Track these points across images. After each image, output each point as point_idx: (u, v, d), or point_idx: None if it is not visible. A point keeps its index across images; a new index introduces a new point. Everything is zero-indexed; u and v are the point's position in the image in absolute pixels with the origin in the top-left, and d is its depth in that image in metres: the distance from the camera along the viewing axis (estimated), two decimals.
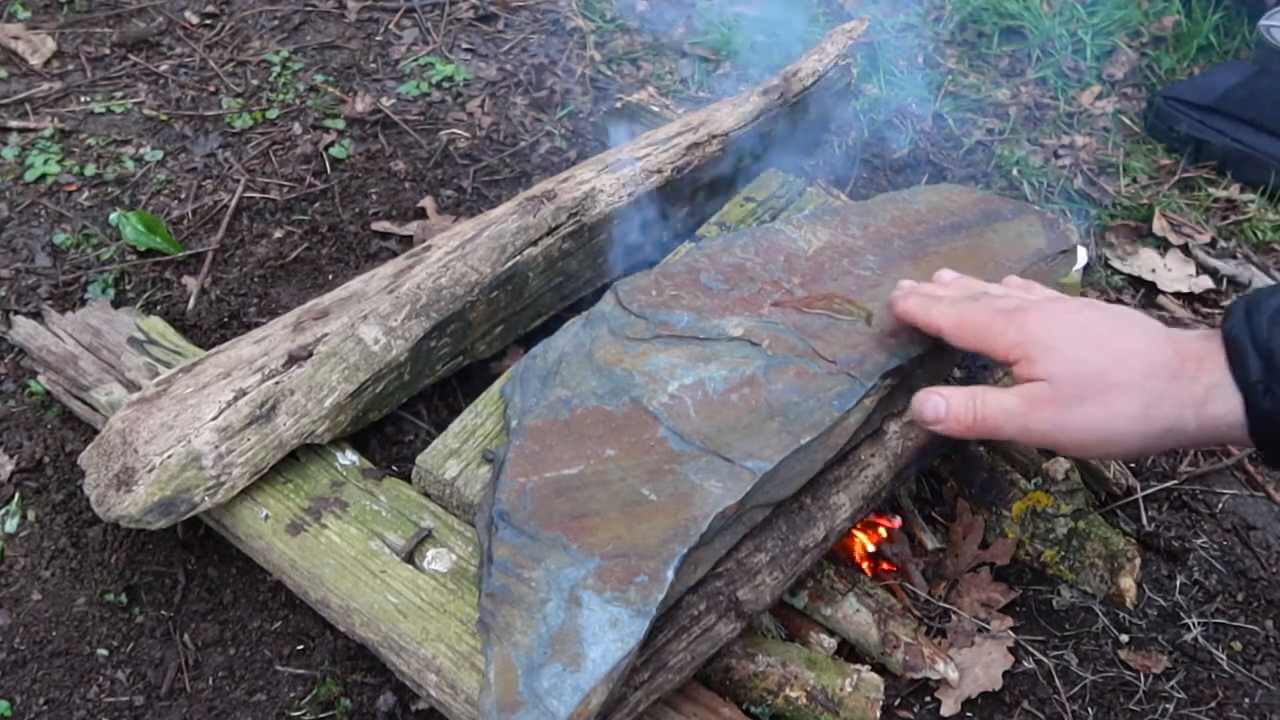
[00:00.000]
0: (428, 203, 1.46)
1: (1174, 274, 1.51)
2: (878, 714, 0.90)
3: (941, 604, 1.05)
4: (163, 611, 1.00)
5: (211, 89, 1.65)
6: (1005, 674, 1.00)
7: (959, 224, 1.06)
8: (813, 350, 0.90)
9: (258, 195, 1.45)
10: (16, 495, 1.08)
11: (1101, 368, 0.67)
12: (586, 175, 1.16)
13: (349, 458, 0.98)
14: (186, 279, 1.32)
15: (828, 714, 0.90)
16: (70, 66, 1.66)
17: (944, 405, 0.73)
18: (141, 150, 1.52)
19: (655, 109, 1.48)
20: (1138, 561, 1.03)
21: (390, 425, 1.09)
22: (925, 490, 1.15)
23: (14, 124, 1.54)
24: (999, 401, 0.71)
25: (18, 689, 0.94)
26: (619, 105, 1.53)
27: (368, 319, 0.99)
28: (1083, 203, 1.62)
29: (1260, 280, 1.52)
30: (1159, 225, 1.57)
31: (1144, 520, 1.17)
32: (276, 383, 0.95)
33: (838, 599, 0.97)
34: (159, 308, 1.27)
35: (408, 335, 1.00)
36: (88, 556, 1.03)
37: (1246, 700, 1.02)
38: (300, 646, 0.99)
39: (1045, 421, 0.68)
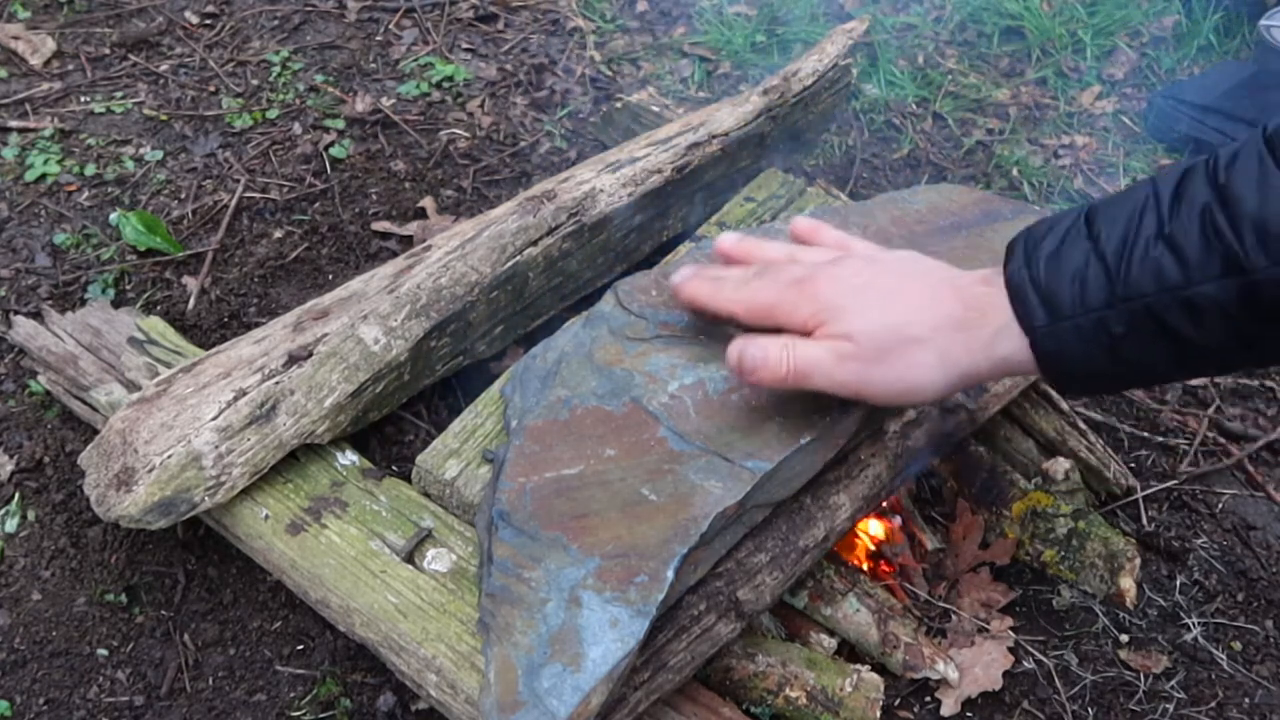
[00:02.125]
0: (428, 203, 1.46)
1: None
2: (878, 714, 0.90)
3: (941, 604, 1.05)
4: (163, 611, 1.00)
5: (211, 89, 1.65)
6: (1005, 674, 1.00)
7: (959, 224, 1.06)
8: None
9: (258, 195, 1.45)
10: (16, 495, 1.08)
11: (894, 324, 0.69)
12: (586, 175, 1.16)
13: (349, 458, 0.98)
14: (186, 279, 1.32)
15: (828, 714, 0.90)
16: (70, 66, 1.66)
17: (760, 354, 0.73)
18: (141, 150, 1.52)
19: (655, 109, 1.48)
20: (1138, 561, 1.03)
21: (390, 425, 1.09)
22: (925, 490, 1.15)
23: (14, 124, 1.54)
24: (808, 352, 0.71)
25: (18, 689, 0.94)
26: (619, 105, 1.53)
27: (368, 319, 0.99)
28: (1083, 203, 1.62)
29: None
30: None
31: (1144, 520, 1.17)
32: (276, 383, 0.95)
33: (838, 599, 0.97)
34: (159, 308, 1.27)
35: (408, 335, 1.00)
36: (88, 556, 1.03)
37: (1246, 700, 1.02)
38: (300, 646, 0.99)
39: (851, 374, 0.70)
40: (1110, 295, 0.63)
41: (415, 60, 1.75)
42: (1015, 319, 0.67)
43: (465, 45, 1.81)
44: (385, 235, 1.42)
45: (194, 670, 0.97)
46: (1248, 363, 0.66)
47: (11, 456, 1.11)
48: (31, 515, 1.06)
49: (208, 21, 1.80)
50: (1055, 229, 0.67)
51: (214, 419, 0.92)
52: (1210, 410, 1.31)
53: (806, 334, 0.73)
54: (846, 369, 0.70)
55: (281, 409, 0.94)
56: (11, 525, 1.06)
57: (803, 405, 0.86)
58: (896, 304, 0.70)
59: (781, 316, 0.74)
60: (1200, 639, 1.06)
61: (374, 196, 1.47)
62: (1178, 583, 1.12)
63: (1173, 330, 0.62)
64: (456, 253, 1.05)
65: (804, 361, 0.72)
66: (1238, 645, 1.07)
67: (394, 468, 1.06)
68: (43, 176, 1.46)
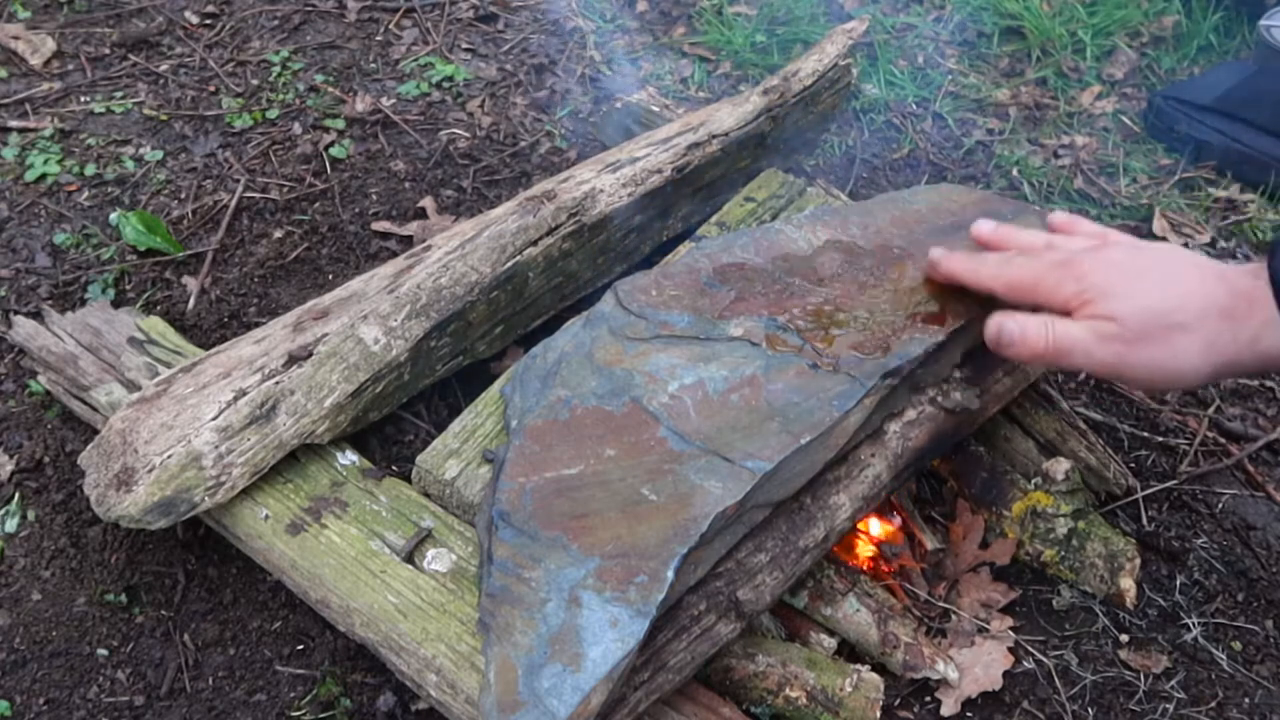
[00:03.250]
0: (428, 203, 1.46)
1: None
2: (878, 714, 0.90)
3: (941, 604, 1.05)
4: (163, 611, 1.00)
5: (211, 89, 1.65)
6: (1005, 674, 1.00)
7: (959, 224, 1.06)
8: (813, 350, 0.90)
9: (258, 195, 1.45)
10: (16, 495, 1.08)
11: (1162, 309, 0.70)
12: (586, 175, 1.16)
13: (349, 458, 0.98)
14: (186, 279, 1.32)
15: (828, 714, 0.90)
16: (70, 66, 1.66)
17: (1018, 330, 0.75)
18: (141, 150, 1.52)
19: (655, 109, 1.48)
20: (1138, 561, 1.03)
21: (390, 425, 1.09)
22: (925, 490, 1.15)
23: (14, 124, 1.54)
24: (1068, 330, 0.72)
25: (18, 689, 0.94)
26: (619, 105, 1.53)
27: (368, 319, 0.99)
28: (1083, 203, 1.62)
29: None
30: (1159, 225, 1.57)
31: (1144, 520, 1.17)
32: (276, 383, 0.95)
33: (838, 599, 0.97)
34: (159, 308, 1.27)
35: (408, 335, 1.00)
36: (88, 556, 1.03)
37: (1246, 700, 1.02)
38: (300, 646, 0.99)
39: (1112, 355, 0.71)
40: None
41: (415, 60, 1.75)
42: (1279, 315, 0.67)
43: (465, 45, 1.81)
44: (385, 235, 1.42)
45: (194, 670, 0.97)
46: None
47: (11, 456, 1.11)
48: (31, 515, 1.06)
49: (208, 21, 1.80)
50: None
51: (214, 419, 0.92)
52: (1210, 410, 1.31)
53: (1066, 313, 0.74)
54: (1107, 349, 0.71)
55: (281, 409, 0.94)
56: (11, 525, 1.06)
57: (803, 405, 0.86)
58: (1165, 289, 0.71)
59: (1043, 294, 0.75)
60: (1200, 639, 1.06)
61: (374, 196, 1.47)
62: (1178, 583, 1.12)
63: None
64: (456, 253, 1.05)
65: (1064, 338, 0.73)
66: (1238, 645, 1.07)
67: (394, 468, 1.06)
68: (43, 176, 1.46)
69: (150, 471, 0.89)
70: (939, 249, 0.89)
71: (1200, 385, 0.76)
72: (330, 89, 1.66)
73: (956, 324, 0.92)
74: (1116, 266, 0.73)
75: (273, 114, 1.60)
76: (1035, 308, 0.77)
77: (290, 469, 0.95)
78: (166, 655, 0.97)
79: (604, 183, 1.14)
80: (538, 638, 0.73)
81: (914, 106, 1.80)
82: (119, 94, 1.62)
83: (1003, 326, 0.77)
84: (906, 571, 1.06)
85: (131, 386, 1.03)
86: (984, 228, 0.88)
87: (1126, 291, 0.71)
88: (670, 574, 0.76)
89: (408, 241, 1.40)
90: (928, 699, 0.99)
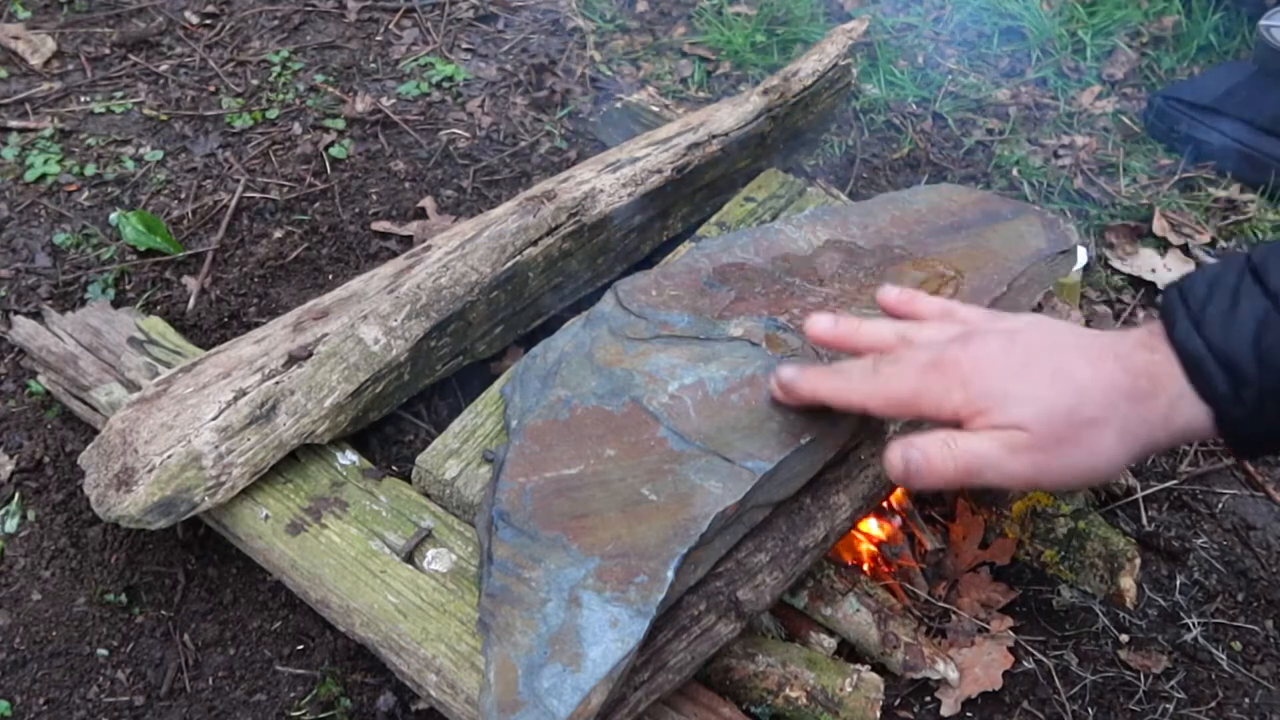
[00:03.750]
0: (428, 203, 1.46)
1: (1174, 274, 1.51)
2: (878, 714, 0.90)
3: (941, 604, 1.05)
4: (163, 611, 1.00)
5: (211, 89, 1.65)
6: (1005, 674, 1.00)
7: (959, 224, 1.06)
8: (813, 350, 0.90)
9: (258, 195, 1.45)
10: (16, 495, 1.08)
11: (1067, 406, 0.64)
12: (586, 175, 1.16)
13: (349, 458, 0.98)
14: (186, 279, 1.32)
15: (828, 714, 0.90)
16: (70, 66, 1.66)
17: (922, 458, 0.67)
18: (141, 150, 1.52)
19: (655, 109, 1.48)
20: (1138, 561, 1.03)
21: (390, 425, 1.09)
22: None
23: (14, 124, 1.54)
24: (974, 448, 0.66)
25: (18, 689, 0.94)
26: (619, 105, 1.53)
27: (368, 319, 0.99)
28: (1083, 203, 1.62)
29: None
30: (1159, 225, 1.57)
31: (1144, 520, 1.17)
32: (276, 383, 0.95)
33: (838, 599, 0.97)
34: (159, 308, 1.27)
35: (408, 335, 1.00)
36: (88, 556, 1.03)
37: (1246, 700, 1.02)
38: (300, 646, 0.99)
39: (1029, 466, 0.65)
40: None
41: (415, 60, 1.75)
42: (1192, 388, 0.62)
43: (465, 45, 1.81)
44: (385, 235, 1.42)
45: (194, 670, 0.97)
46: None
47: (11, 456, 1.11)
48: (31, 515, 1.06)
49: (208, 21, 1.80)
50: (1219, 286, 0.62)
51: (214, 419, 0.92)
52: None
53: (957, 423, 0.67)
54: (1021, 461, 0.64)
55: (281, 409, 0.94)
56: (11, 525, 1.06)
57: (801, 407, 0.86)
58: (1062, 383, 0.65)
59: (927, 407, 0.68)
60: (1200, 639, 1.06)
61: (374, 196, 1.47)
62: (1178, 583, 1.12)
63: None
64: (456, 253, 1.05)
65: (972, 459, 0.65)
66: (1238, 645, 1.07)
67: (394, 468, 1.06)
68: (43, 176, 1.46)
69: (150, 471, 0.89)
70: (789, 368, 0.79)
71: (1119, 474, 0.69)
72: (330, 89, 1.66)
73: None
74: (997, 365, 0.67)
75: (273, 114, 1.60)
76: (919, 419, 0.70)
77: (290, 469, 0.95)
78: (166, 655, 0.97)
79: (604, 183, 1.14)
80: (538, 638, 0.73)
81: (914, 106, 1.80)
82: (119, 94, 1.62)
83: (909, 460, 0.68)
84: (906, 571, 1.06)
85: (131, 386, 1.03)
86: (822, 326, 0.78)
87: (1020, 394, 0.65)
88: (670, 574, 0.76)
89: (408, 241, 1.40)
90: (928, 699, 0.99)
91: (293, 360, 0.96)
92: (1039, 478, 0.65)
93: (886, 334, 0.75)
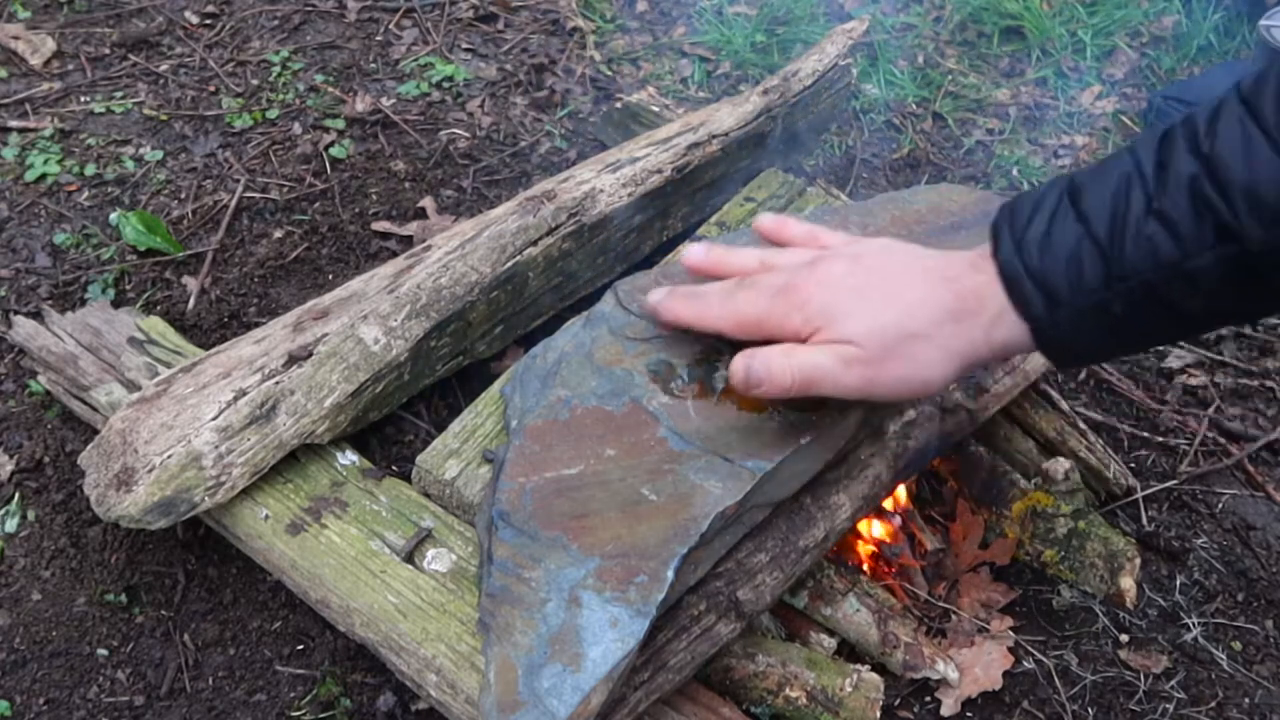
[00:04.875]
0: (428, 203, 1.46)
1: None
2: (878, 714, 0.90)
3: (941, 604, 1.05)
4: (163, 611, 1.00)
5: (211, 89, 1.65)
6: (1005, 674, 1.00)
7: (959, 224, 1.06)
8: None
9: (258, 195, 1.46)
10: (16, 495, 1.08)
11: (894, 323, 0.68)
12: (586, 175, 1.16)
13: (349, 458, 0.98)
14: (186, 279, 1.32)
15: (828, 714, 0.90)
16: (70, 66, 1.66)
17: (763, 368, 0.71)
18: (141, 150, 1.52)
19: (655, 109, 1.48)
20: (1138, 561, 1.03)
21: (390, 425, 1.09)
22: (925, 490, 1.15)
23: (14, 124, 1.54)
24: (810, 359, 0.70)
25: (18, 689, 0.94)
26: (619, 105, 1.53)
27: (368, 319, 0.99)
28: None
29: None
30: None
31: (1144, 520, 1.17)
32: (276, 383, 0.95)
33: (838, 599, 0.97)
34: (159, 308, 1.27)
35: (408, 335, 1.00)
36: (88, 556, 1.03)
37: (1246, 700, 1.02)
38: (300, 646, 0.99)
39: (858, 378, 0.69)
40: (1107, 276, 0.62)
41: (415, 60, 1.75)
42: (1012, 306, 0.66)
43: (465, 45, 1.81)
44: (385, 235, 1.42)
45: (194, 670, 0.97)
46: (1245, 320, 0.66)
47: (11, 456, 1.11)
48: (31, 515, 1.06)
49: (208, 21, 1.80)
50: (1040, 209, 0.66)
51: (214, 419, 0.92)
52: (1210, 410, 1.31)
53: (801, 341, 0.71)
54: (853, 373, 0.69)
55: (281, 409, 0.94)
56: (11, 525, 1.06)
57: (802, 405, 0.86)
58: (892, 302, 0.69)
59: (772, 328, 0.73)
60: (1200, 639, 1.06)
61: (374, 196, 1.47)
62: (1178, 583, 1.12)
63: (1171, 302, 0.62)
64: (456, 253, 1.05)
65: (808, 369, 0.70)
66: (1238, 645, 1.07)
67: (394, 468, 1.06)
68: (43, 176, 1.46)
69: (150, 471, 0.89)
70: (657, 292, 0.82)
71: (946, 387, 0.74)
72: (330, 89, 1.66)
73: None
74: (836, 286, 0.71)
75: (273, 114, 1.60)
76: (769, 341, 0.73)
77: (290, 469, 0.95)
78: (166, 655, 0.97)
79: (604, 183, 1.14)
80: (538, 638, 0.73)
81: (914, 106, 1.80)
82: (119, 94, 1.62)
83: (750, 369, 0.72)
84: (906, 571, 1.06)
85: (131, 386, 1.03)
86: (695, 255, 0.81)
87: (853, 311, 0.69)
88: (670, 574, 0.76)
89: (408, 241, 1.40)
90: (928, 699, 0.99)
91: (293, 360, 0.97)
92: (870, 389, 0.70)
93: (750, 260, 0.79)
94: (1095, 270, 0.63)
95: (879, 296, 0.70)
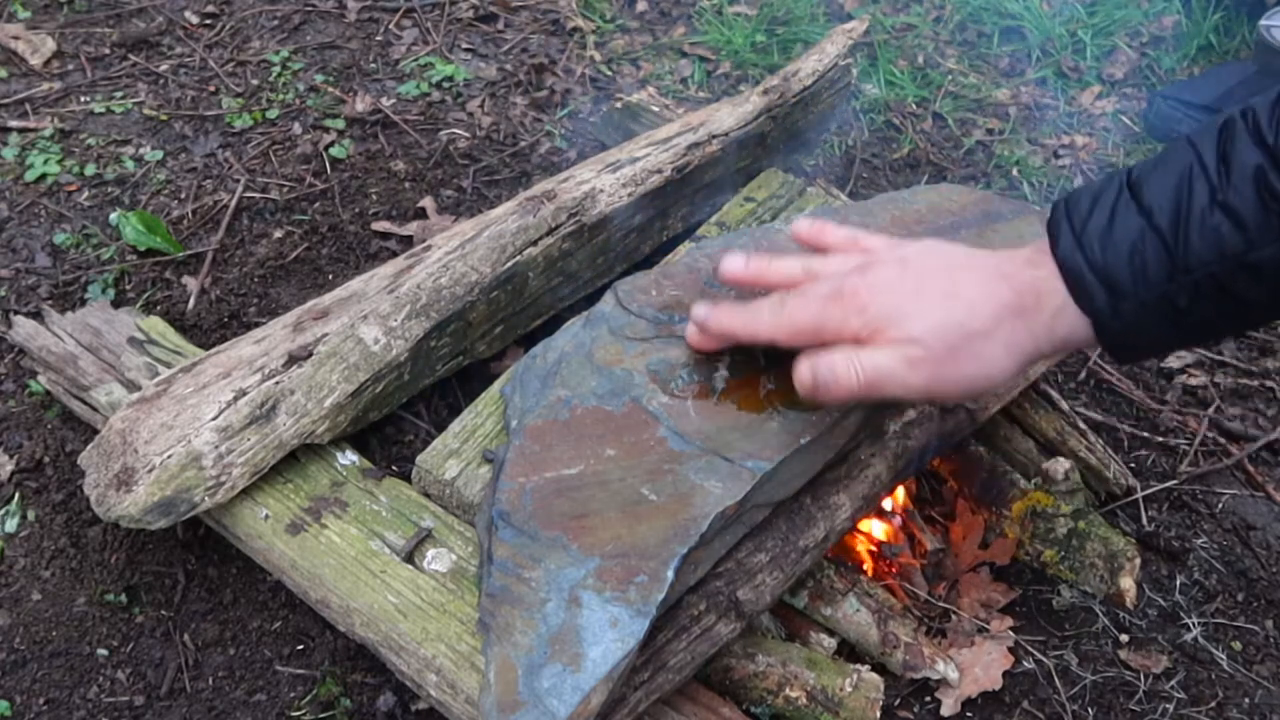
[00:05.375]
0: (428, 203, 1.46)
1: None
2: (878, 714, 0.90)
3: (941, 604, 1.05)
4: (163, 611, 1.00)
5: (211, 89, 1.65)
6: (1005, 674, 1.00)
7: (959, 224, 1.06)
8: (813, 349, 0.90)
9: (258, 195, 1.46)
10: (16, 495, 1.08)
11: (957, 321, 0.68)
12: (586, 175, 1.16)
13: (349, 458, 0.98)
14: (186, 279, 1.32)
15: (828, 714, 0.90)
16: (70, 66, 1.66)
17: (829, 372, 0.71)
18: (141, 150, 1.52)
19: (655, 109, 1.48)
20: (1138, 561, 1.03)
21: (390, 425, 1.09)
22: (925, 490, 1.15)
23: (14, 124, 1.54)
24: (875, 361, 0.69)
25: (18, 689, 0.94)
26: (619, 105, 1.53)
27: (368, 319, 0.99)
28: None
29: None
30: None
31: (1144, 520, 1.17)
32: (276, 383, 0.95)
33: (838, 599, 0.97)
34: (159, 308, 1.27)
35: (408, 335, 1.00)
36: (88, 556, 1.03)
37: (1246, 700, 1.02)
38: (300, 646, 0.99)
39: (924, 378, 0.69)
40: (1171, 269, 0.62)
41: (415, 60, 1.75)
42: (1072, 300, 0.66)
43: (465, 45, 1.81)
44: (385, 235, 1.42)
45: (194, 670, 0.97)
46: None
47: (11, 456, 1.11)
48: (31, 515, 1.07)
49: (208, 21, 1.80)
50: (1100, 203, 0.65)
51: (214, 419, 0.92)
52: (1210, 410, 1.31)
53: (858, 343, 0.71)
54: (919, 373, 0.69)
55: (281, 409, 0.94)
56: (11, 525, 1.06)
57: (802, 404, 0.86)
58: (953, 301, 0.69)
59: (830, 334, 0.72)
60: (1200, 639, 1.06)
61: (374, 196, 1.47)
62: (1178, 583, 1.12)
63: (1235, 294, 0.61)
64: (456, 253, 1.05)
65: (874, 371, 0.69)
66: (1238, 645, 1.07)
67: (394, 468, 1.06)
68: (43, 176, 1.46)
69: (150, 471, 0.89)
70: (701, 307, 0.81)
71: (1010, 383, 0.74)
72: (330, 89, 1.66)
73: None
74: (894, 288, 0.71)
75: (273, 114, 1.60)
76: (823, 345, 0.73)
77: (290, 469, 0.95)
78: (166, 655, 0.97)
79: (604, 183, 1.14)
80: (538, 638, 0.73)
81: (914, 106, 1.80)
82: (119, 94, 1.62)
83: (816, 373, 0.72)
84: (906, 571, 1.06)
85: (131, 386, 1.03)
86: (733, 267, 0.81)
87: (915, 311, 0.69)
88: (670, 574, 0.76)
89: (408, 241, 1.40)
90: (928, 699, 0.99)
91: (293, 360, 0.97)
92: (935, 388, 0.69)
93: (794, 269, 0.78)
94: (1159, 263, 0.62)
95: (938, 296, 0.69)
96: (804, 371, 0.73)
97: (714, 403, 0.86)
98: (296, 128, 1.58)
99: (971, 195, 1.11)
